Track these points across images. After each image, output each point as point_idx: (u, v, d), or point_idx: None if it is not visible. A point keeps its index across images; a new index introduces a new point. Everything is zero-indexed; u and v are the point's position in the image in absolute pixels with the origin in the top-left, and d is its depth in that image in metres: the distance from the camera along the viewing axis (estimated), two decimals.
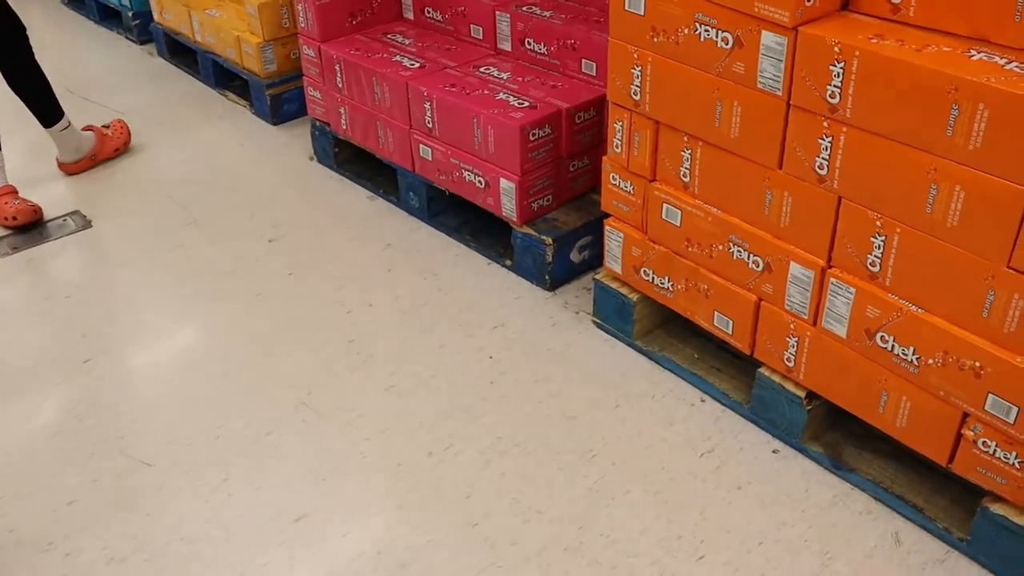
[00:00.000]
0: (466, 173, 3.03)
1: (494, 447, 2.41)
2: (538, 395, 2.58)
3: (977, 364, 1.92)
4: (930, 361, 1.99)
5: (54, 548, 2.25)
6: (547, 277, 2.94)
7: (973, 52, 1.81)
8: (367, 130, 3.37)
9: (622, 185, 2.55)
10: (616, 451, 2.39)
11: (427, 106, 3.06)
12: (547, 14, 3.14)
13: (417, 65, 3.23)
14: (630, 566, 2.10)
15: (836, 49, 1.90)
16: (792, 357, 2.28)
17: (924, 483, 2.23)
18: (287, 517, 2.25)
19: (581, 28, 3.01)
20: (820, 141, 2.01)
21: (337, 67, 3.40)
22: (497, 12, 3.24)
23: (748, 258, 2.28)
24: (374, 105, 3.28)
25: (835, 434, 2.37)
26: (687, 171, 2.35)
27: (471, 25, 3.38)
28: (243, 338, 2.85)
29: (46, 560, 2.23)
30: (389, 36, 3.50)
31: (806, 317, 2.21)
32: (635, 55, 2.33)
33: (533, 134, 2.81)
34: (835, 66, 1.92)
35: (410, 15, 3.63)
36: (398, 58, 3.29)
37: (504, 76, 3.10)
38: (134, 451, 2.46)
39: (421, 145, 3.15)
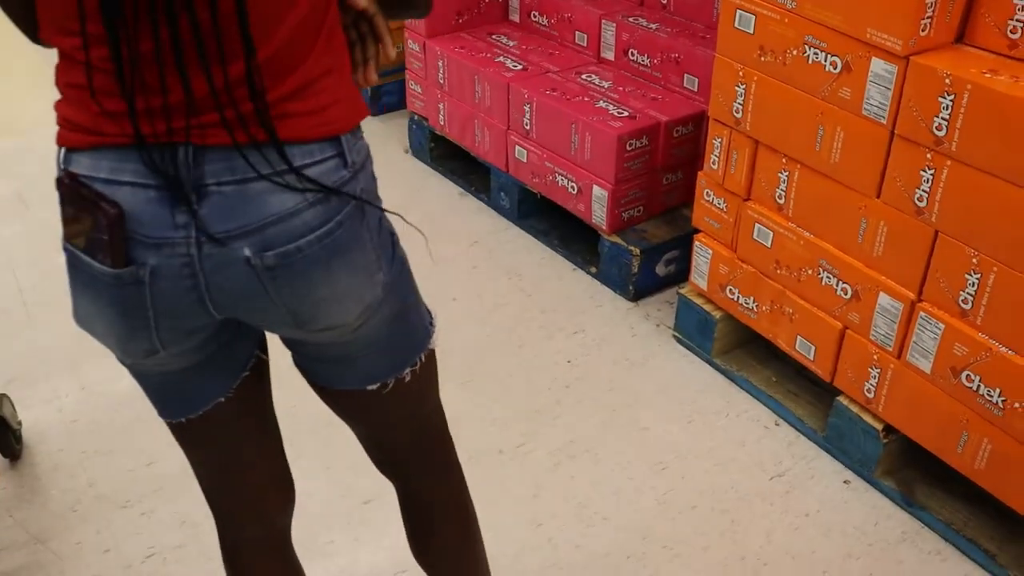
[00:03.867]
0: (559, 178, 3.05)
1: (565, 450, 2.43)
2: (613, 403, 2.59)
3: None
4: (1016, 405, 1.96)
5: (131, 506, 2.33)
6: (631, 287, 2.95)
7: None
8: (464, 128, 3.42)
9: (715, 202, 2.54)
10: (687, 466, 2.39)
11: (526, 108, 3.09)
12: (653, 26, 3.15)
13: (520, 67, 3.26)
14: None
15: (947, 81, 1.88)
16: (873, 388, 2.26)
17: (998, 529, 2.19)
18: (355, 499, 2.30)
19: (686, 43, 3.01)
20: (922, 173, 1.99)
21: (440, 63, 3.45)
22: (603, 21, 3.26)
23: (837, 285, 2.26)
24: (474, 103, 3.32)
25: (909, 470, 2.34)
26: (783, 193, 2.34)
27: (576, 32, 3.40)
28: None
29: (123, 516, 2.30)
30: (494, 37, 3.54)
31: (891, 349, 2.19)
32: (740, 73, 2.33)
33: (630, 144, 2.82)
34: (944, 98, 1.90)
35: (516, 17, 3.67)
36: (501, 59, 3.32)
37: (605, 85, 3.12)
38: None
39: (517, 146, 3.18)
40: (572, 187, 3.00)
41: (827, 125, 2.16)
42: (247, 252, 1.13)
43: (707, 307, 2.67)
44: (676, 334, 2.80)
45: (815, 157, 2.22)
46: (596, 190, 2.91)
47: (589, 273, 3.10)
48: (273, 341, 1.41)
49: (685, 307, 2.73)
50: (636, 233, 2.96)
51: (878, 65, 2.00)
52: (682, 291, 2.74)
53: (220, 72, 1.07)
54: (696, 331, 2.72)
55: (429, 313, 1.45)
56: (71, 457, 2.47)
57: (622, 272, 2.94)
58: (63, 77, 1.12)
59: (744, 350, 2.71)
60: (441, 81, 3.48)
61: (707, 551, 2.18)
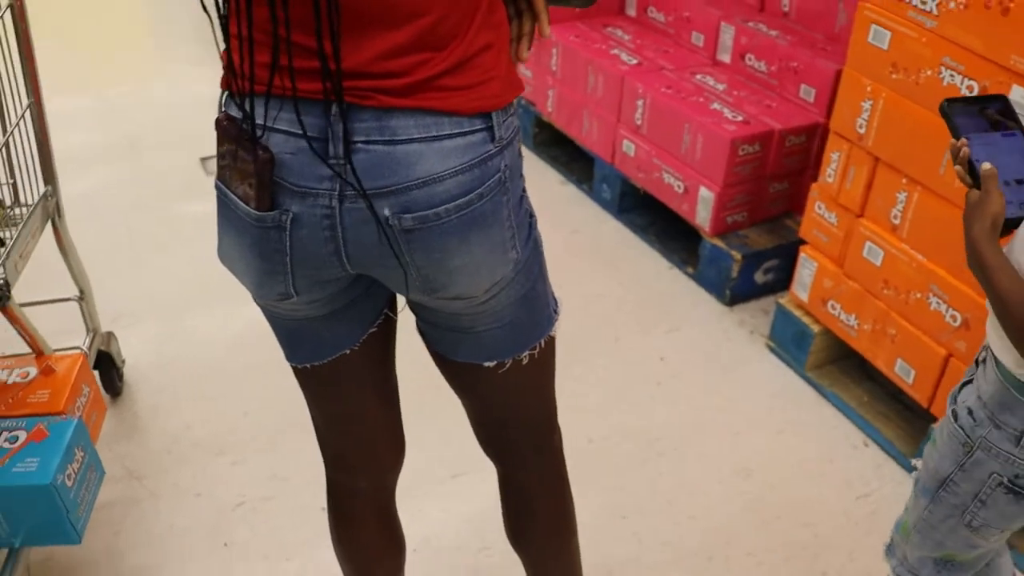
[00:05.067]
0: (666, 175, 3.06)
1: (654, 447, 2.45)
2: (704, 405, 2.60)
3: None
4: None
5: (225, 454, 2.39)
6: (728, 292, 2.95)
7: None
8: (572, 116, 3.43)
9: (827, 215, 2.53)
10: (774, 475, 2.39)
11: (639, 103, 3.10)
12: (773, 33, 3.13)
13: (635, 62, 3.27)
14: None
15: None
16: None
17: None
18: (446, 471, 2.34)
19: (806, 52, 2.99)
20: None
21: (554, 50, 3.47)
22: (722, 23, 3.25)
23: (946, 311, 2.24)
24: (585, 93, 3.34)
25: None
26: (899, 213, 2.33)
27: (693, 32, 3.40)
28: None
29: (217, 463, 2.37)
30: (609, 29, 3.55)
31: None
32: (868, 88, 2.31)
33: (743, 149, 2.82)
34: None
35: (632, 12, 3.67)
36: (616, 51, 3.33)
37: (720, 87, 3.11)
38: None
39: (625, 140, 3.19)
40: (679, 186, 3.01)
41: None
42: (387, 212, 1.16)
43: (806, 320, 2.66)
44: (770, 343, 2.80)
45: (938, 180, 2.20)
46: (703, 191, 2.91)
47: (686, 273, 3.10)
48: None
49: (783, 317, 2.73)
50: (738, 238, 2.96)
51: (1019, 93, 1.98)
52: (782, 301, 2.74)
53: (377, 41, 1.10)
54: (792, 343, 2.71)
55: (555, 300, 1.47)
56: (170, 400, 2.55)
57: (721, 275, 2.94)
58: (232, 27, 1.15)
59: (837, 366, 2.70)
60: (553, 68, 3.50)
61: (788, 562, 2.18)
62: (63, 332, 2.29)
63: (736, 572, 2.14)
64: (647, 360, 2.74)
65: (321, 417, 1.55)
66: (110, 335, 2.51)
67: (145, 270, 3.05)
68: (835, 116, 2.44)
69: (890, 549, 1.73)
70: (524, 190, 1.31)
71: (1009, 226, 1.33)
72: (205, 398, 2.55)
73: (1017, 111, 1.44)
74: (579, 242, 3.27)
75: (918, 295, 2.31)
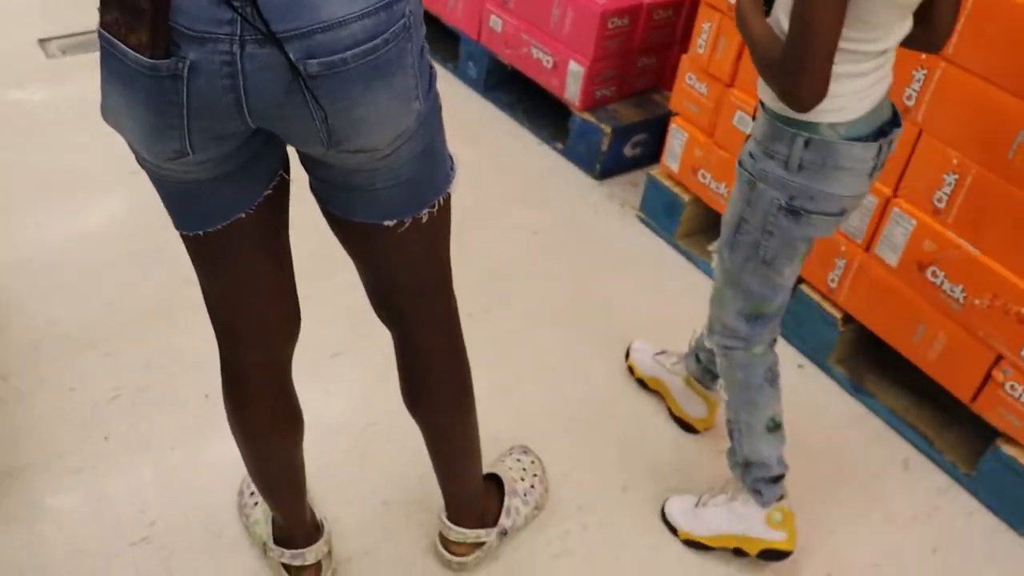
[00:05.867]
0: (535, 51, 3.04)
1: (533, 316, 2.49)
2: (579, 276, 2.65)
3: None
4: (976, 301, 2.07)
5: (95, 346, 2.31)
6: (598, 166, 2.98)
7: None
8: None
9: (697, 86, 2.57)
10: (649, 335, 2.46)
11: None
12: None
13: None
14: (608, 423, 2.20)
15: None
16: (836, 279, 2.36)
17: (936, 417, 2.34)
18: (324, 352, 2.33)
19: None
20: (913, 73, 2.06)
21: None
22: None
23: None
24: None
25: (860, 359, 2.46)
26: None
27: None
28: None
29: (87, 356, 2.29)
30: None
31: (860, 242, 2.28)
32: None
33: (612, 22, 2.82)
34: None
35: None
36: None
37: None
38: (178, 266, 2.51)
39: (492, 16, 3.15)
40: (547, 61, 3.00)
41: None
42: (292, 56, 1.12)
43: (676, 189, 2.72)
44: (640, 215, 2.86)
45: None
46: (573, 65, 2.91)
47: (555, 149, 3.12)
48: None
49: (654, 188, 2.78)
50: (607, 112, 2.99)
51: None
52: (652, 172, 2.79)
53: None
54: (662, 212, 2.78)
55: (451, 158, 1.46)
56: (29, 297, 2.43)
57: (590, 150, 2.97)
58: None
59: (705, 236, 2.79)
60: None
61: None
62: None
63: (616, 432, 2.22)
64: (520, 235, 2.76)
65: (213, 288, 1.49)
66: None
67: None
68: None
69: (710, 328, 1.92)
70: (425, 40, 1.29)
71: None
72: (66, 294, 2.45)
73: None
74: (446, 121, 3.21)
75: None
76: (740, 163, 1.71)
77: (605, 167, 2.99)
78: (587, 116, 2.96)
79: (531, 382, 2.33)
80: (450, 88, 3.40)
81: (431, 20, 3.53)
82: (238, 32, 1.11)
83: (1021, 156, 1.93)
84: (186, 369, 2.26)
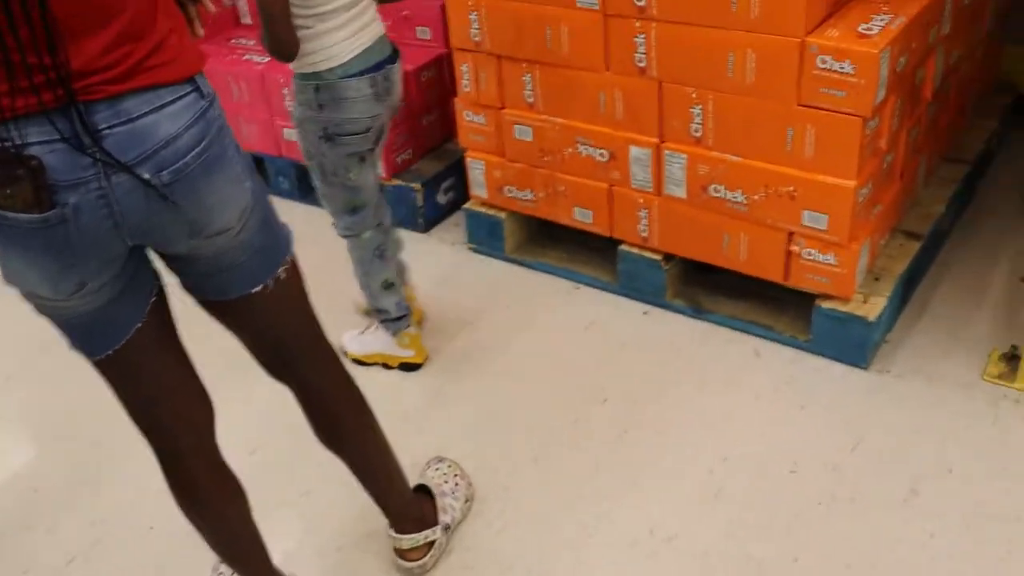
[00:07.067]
0: None
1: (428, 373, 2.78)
2: (433, 309, 2.94)
3: (791, 189, 2.41)
4: (756, 197, 2.48)
5: (33, 528, 2.46)
6: (420, 220, 3.31)
7: None
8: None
9: (475, 119, 2.95)
10: (518, 341, 2.79)
11: (285, 91, 3.38)
12: None
13: (268, 59, 3.53)
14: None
15: None
16: (645, 228, 2.74)
17: (767, 306, 2.73)
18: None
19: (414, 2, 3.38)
20: (636, 39, 2.48)
21: None
22: None
23: (595, 153, 2.72)
24: (234, 103, 3.55)
25: (693, 287, 2.84)
26: (530, 92, 2.77)
27: None
28: None
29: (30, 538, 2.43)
30: (233, 41, 3.77)
31: (651, 190, 2.67)
32: (470, 2, 2.73)
33: None
34: None
35: (248, 20, 3.92)
36: (248, 57, 3.59)
37: None
38: (89, 431, 2.68)
39: (285, 129, 3.47)
40: None
41: (552, 24, 2.60)
42: (146, 175, 1.42)
43: (492, 212, 3.08)
44: (471, 246, 3.19)
45: (550, 54, 2.66)
46: None
47: None
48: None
49: (473, 218, 3.13)
50: (412, 173, 3.34)
51: None
52: (467, 206, 3.14)
53: (91, 44, 1.36)
54: (487, 236, 3.12)
55: (285, 226, 1.76)
56: None
57: (410, 209, 3.30)
58: None
59: (533, 242, 3.14)
60: None
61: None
62: None
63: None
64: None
65: (133, 396, 1.73)
66: None
67: None
68: (452, 36, 2.85)
69: (336, 228, 2.56)
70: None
71: None
72: None
73: None
74: None
75: (569, 150, 2.77)
76: (292, 117, 2.35)
77: (428, 219, 3.33)
78: (397, 181, 3.30)
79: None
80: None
81: None
82: (101, 170, 1.40)
83: (737, 72, 2.36)
84: (126, 513, 2.42)
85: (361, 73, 2.20)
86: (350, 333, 2.75)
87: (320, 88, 2.20)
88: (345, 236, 2.54)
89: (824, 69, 2.25)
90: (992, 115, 3.38)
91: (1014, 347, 2.51)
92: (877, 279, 2.58)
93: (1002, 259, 2.93)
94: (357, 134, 2.29)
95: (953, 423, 2.37)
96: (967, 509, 2.16)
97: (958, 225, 3.07)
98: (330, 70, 2.18)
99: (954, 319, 2.70)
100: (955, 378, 2.49)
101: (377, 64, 2.24)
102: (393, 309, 2.63)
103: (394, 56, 2.30)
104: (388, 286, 2.60)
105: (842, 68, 2.23)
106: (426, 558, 2.14)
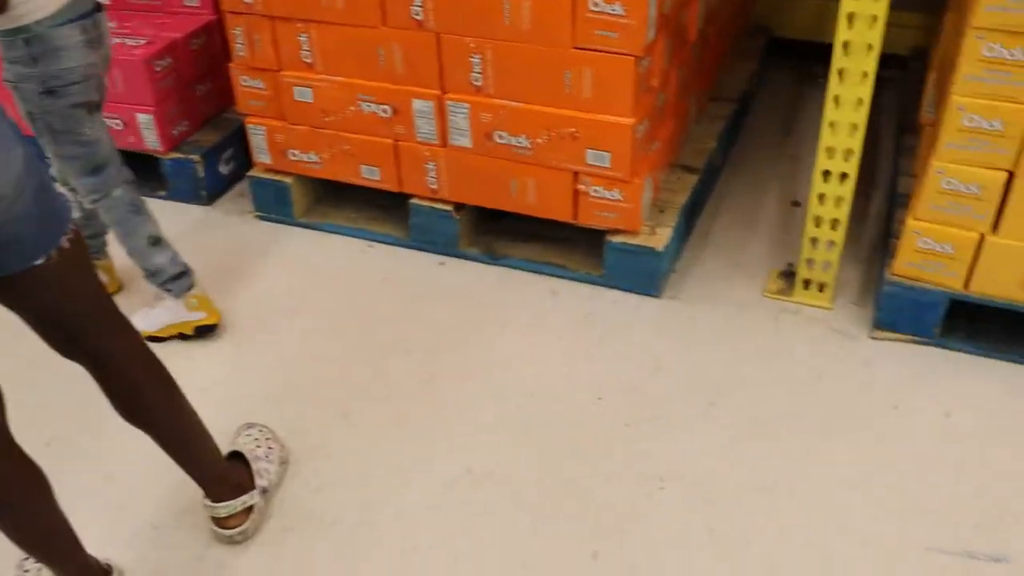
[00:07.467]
0: (111, 122, 3.19)
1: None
2: (225, 280, 2.88)
3: (573, 130, 2.49)
4: (539, 140, 2.55)
5: None
6: (203, 193, 3.22)
7: None
8: None
9: (253, 84, 2.89)
10: (313, 303, 2.77)
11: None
12: None
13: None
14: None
15: None
16: (434, 180, 2.77)
17: (558, 247, 2.83)
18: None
19: None
20: None
21: None
22: None
23: (378, 109, 2.72)
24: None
25: (486, 235, 2.90)
26: (307, 52, 2.74)
27: None
28: None
29: None
30: None
31: (436, 142, 2.70)
32: None
33: (157, 65, 3.07)
34: None
35: None
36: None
37: (111, 24, 3.28)
38: None
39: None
40: (118, 124, 3.18)
41: None
42: None
43: (278, 177, 3.03)
44: (259, 214, 3.13)
45: (325, 11, 2.63)
46: (141, 117, 3.12)
47: (159, 197, 3.27)
48: None
49: (258, 186, 3.07)
50: (191, 144, 3.24)
51: None
52: (251, 173, 3.07)
53: None
54: (274, 202, 3.07)
55: (64, 195, 1.69)
56: None
57: (191, 182, 3.20)
58: None
59: (323, 204, 3.12)
60: None
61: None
62: None
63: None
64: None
65: None
66: None
67: None
68: None
69: (76, 197, 2.46)
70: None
71: None
72: None
73: None
74: None
75: (352, 108, 2.76)
76: (6, 81, 2.21)
77: (211, 191, 3.24)
78: (175, 155, 3.19)
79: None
80: None
81: None
82: None
83: (513, 19, 2.41)
84: None
85: (71, 21, 2.14)
86: (139, 312, 2.62)
87: (31, 40, 2.12)
88: (94, 202, 2.44)
89: (596, 12, 2.34)
90: (751, 57, 3.60)
91: (790, 264, 2.71)
92: (662, 211, 2.71)
93: (772, 186, 3.14)
94: (78, 83, 2.22)
95: (741, 338, 2.54)
96: (760, 414, 2.32)
97: (730, 159, 3.27)
98: (38, 21, 2.10)
99: (734, 245, 2.88)
100: (739, 298, 2.67)
101: (85, 12, 2.18)
102: (168, 265, 2.57)
103: (100, 6, 2.25)
104: (155, 241, 2.54)
105: (613, 10, 2.32)
106: (246, 524, 2.11)
